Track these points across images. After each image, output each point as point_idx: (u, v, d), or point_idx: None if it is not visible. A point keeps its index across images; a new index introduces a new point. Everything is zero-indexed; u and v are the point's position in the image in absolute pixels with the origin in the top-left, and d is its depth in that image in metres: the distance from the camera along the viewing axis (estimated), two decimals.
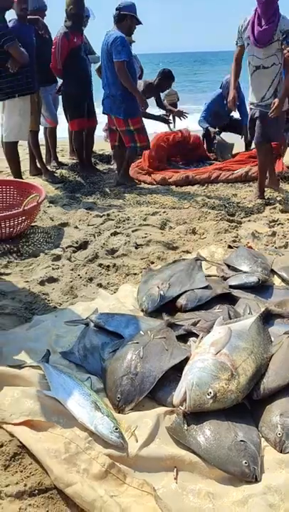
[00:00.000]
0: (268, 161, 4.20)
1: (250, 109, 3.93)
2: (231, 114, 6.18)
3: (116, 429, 1.50)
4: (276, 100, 3.62)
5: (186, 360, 1.74)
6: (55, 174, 5.28)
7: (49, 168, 5.44)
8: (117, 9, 4.36)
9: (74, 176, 5.29)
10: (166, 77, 5.88)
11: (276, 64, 3.64)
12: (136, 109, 4.56)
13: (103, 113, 4.84)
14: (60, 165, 5.85)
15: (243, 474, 1.39)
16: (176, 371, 1.73)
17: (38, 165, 5.34)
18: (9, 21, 4.27)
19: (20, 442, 1.52)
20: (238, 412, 1.60)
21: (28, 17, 4.56)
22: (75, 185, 4.87)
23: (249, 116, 4.00)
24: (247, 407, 1.64)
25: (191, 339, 1.86)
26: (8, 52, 3.95)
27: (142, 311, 2.25)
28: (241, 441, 1.46)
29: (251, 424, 1.57)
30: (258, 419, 1.60)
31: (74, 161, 6.06)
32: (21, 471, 1.45)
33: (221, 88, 5.92)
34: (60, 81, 5.19)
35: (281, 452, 1.48)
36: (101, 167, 5.87)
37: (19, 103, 4.29)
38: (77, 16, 4.65)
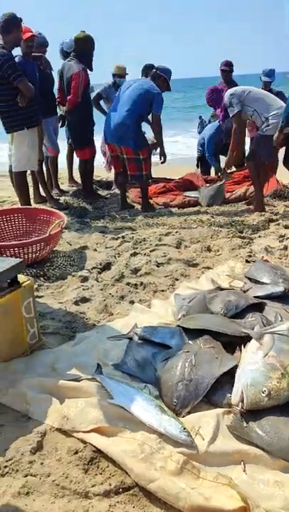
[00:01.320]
0: (256, 174, 4.63)
1: None
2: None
3: (184, 429, 1.62)
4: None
5: (235, 366, 1.88)
6: (60, 201, 5.45)
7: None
8: (154, 68, 4.92)
9: (78, 202, 5.46)
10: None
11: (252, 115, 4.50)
12: (145, 140, 4.91)
13: (106, 142, 5.05)
14: (62, 192, 6.03)
15: None
16: (227, 375, 1.87)
17: (43, 193, 5.52)
18: (15, 57, 4.51)
19: (95, 447, 1.63)
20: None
21: (32, 54, 4.82)
22: (81, 211, 5.03)
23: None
24: None
25: (238, 348, 2.00)
26: (17, 88, 4.16)
27: (179, 320, 2.39)
28: None
29: None
30: None
31: (74, 188, 6.26)
32: (101, 473, 1.56)
33: (219, 124, 6.26)
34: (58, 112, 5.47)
35: None
36: (102, 193, 6.07)
37: (28, 135, 4.47)
38: (91, 53, 5.04)
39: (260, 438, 1.62)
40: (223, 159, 6.40)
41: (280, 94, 5.50)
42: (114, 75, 6.38)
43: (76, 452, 1.63)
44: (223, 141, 6.25)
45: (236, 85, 5.82)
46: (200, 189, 5.58)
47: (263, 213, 4.43)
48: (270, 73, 6.11)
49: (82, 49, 4.97)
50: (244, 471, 1.54)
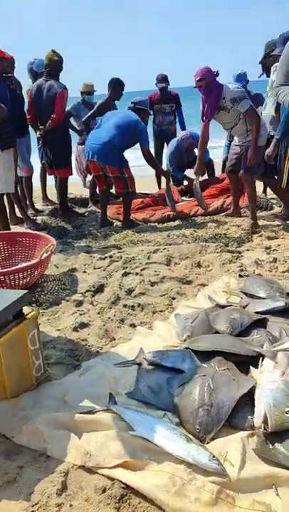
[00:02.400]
0: (254, 188, 4.58)
1: (235, 145, 4.55)
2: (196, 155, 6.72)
3: (213, 456, 1.60)
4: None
5: (253, 387, 1.88)
6: (37, 221, 5.36)
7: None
8: (132, 103, 4.96)
9: (56, 221, 5.39)
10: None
11: (241, 118, 4.34)
12: (126, 160, 4.93)
13: (89, 160, 5.03)
14: (38, 212, 5.95)
15: None
16: (246, 397, 1.86)
17: (19, 214, 5.42)
18: None
19: (123, 483, 1.58)
20: None
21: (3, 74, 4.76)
22: (60, 231, 4.96)
23: (230, 151, 4.71)
24: None
25: (251, 367, 2.00)
26: None
27: (184, 341, 2.38)
28: None
29: None
30: None
31: (49, 207, 6.18)
32: (134, 511, 1.51)
33: (177, 145, 6.41)
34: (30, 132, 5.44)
35: None
36: (78, 210, 6.01)
37: (3, 156, 4.39)
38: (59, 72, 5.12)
39: (287, 459, 1.62)
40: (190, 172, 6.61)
41: (257, 97, 5.56)
42: (82, 93, 6.41)
43: (104, 490, 1.58)
44: (185, 161, 6.46)
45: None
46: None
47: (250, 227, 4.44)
48: (240, 78, 5.98)
49: (56, 68, 4.99)
50: (277, 494, 1.53)
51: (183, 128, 6.86)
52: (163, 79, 6.50)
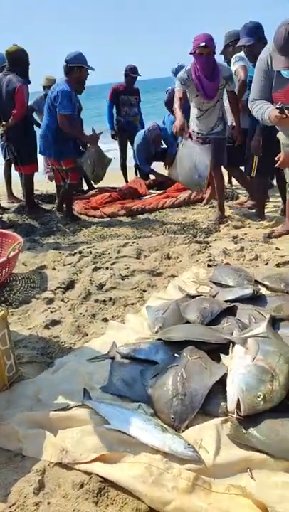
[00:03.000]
0: (223, 181, 4.61)
1: (198, 137, 4.33)
2: (163, 147, 6.74)
3: (188, 444, 1.62)
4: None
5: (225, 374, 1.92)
6: (3, 219, 5.26)
7: None
8: (65, 61, 4.56)
9: (22, 218, 5.31)
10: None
11: (219, 100, 4.21)
12: (68, 150, 4.76)
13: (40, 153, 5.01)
14: (3, 210, 5.84)
15: None
16: (218, 384, 1.89)
17: None
18: None
19: (101, 477, 1.59)
20: (283, 408, 1.79)
21: None
22: (28, 228, 4.89)
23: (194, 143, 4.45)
24: (287, 402, 1.84)
25: (222, 355, 2.03)
26: None
27: (156, 332, 2.40)
28: None
29: None
30: None
31: (15, 204, 6.07)
32: (112, 503, 1.52)
33: (145, 136, 6.39)
34: None
35: None
36: (45, 207, 5.93)
37: None
38: (26, 66, 4.98)
39: (261, 442, 1.65)
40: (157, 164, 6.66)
41: None
42: (44, 87, 6.32)
43: (82, 485, 1.58)
44: (153, 152, 6.49)
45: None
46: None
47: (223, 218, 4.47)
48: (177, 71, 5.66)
49: (17, 63, 4.88)
50: (252, 477, 1.56)
51: (142, 122, 6.88)
52: (135, 69, 6.44)
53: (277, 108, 2.83)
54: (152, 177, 6.68)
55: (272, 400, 1.75)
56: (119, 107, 6.63)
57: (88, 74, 4.67)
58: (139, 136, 6.44)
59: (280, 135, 3.46)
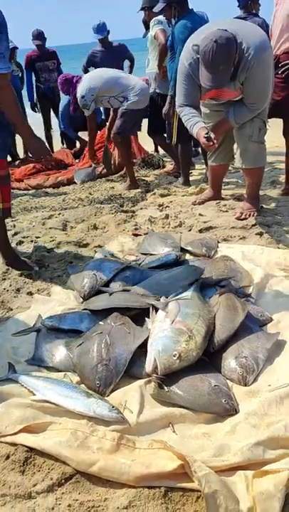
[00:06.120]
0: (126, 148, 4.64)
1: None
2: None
3: (113, 407, 1.67)
4: None
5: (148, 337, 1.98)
6: None
7: None
8: None
9: None
10: None
11: None
12: None
13: None
14: None
15: (225, 410, 1.69)
16: (142, 348, 1.95)
17: None
18: None
19: (27, 447, 1.60)
20: (202, 365, 1.88)
21: None
22: None
23: None
24: (206, 360, 1.94)
25: (146, 319, 2.09)
26: None
27: (83, 298, 2.41)
28: (215, 385, 1.75)
29: (215, 372, 1.88)
30: (219, 367, 1.91)
31: None
32: (39, 471, 1.54)
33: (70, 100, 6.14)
34: None
35: (246, 385, 1.82)
36: None
37: None
38: None
39: (181, 398, 1.74)
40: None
41: None
42: None
43: (8, 457, 1.58)
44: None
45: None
46: (75, 171, 5.50)
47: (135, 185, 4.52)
48: (100, 29, 5.62)
49: None
50: (174, 431, 1.65)
51: None
52: (39, 35, 6.18)
53: (204, 137, 2.98)
54: (78, 145, 6.51)
55: (188, 358, 1.83)
56: (38, 75, 6.38)
57: None
58: (64, 100, 6.22)
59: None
